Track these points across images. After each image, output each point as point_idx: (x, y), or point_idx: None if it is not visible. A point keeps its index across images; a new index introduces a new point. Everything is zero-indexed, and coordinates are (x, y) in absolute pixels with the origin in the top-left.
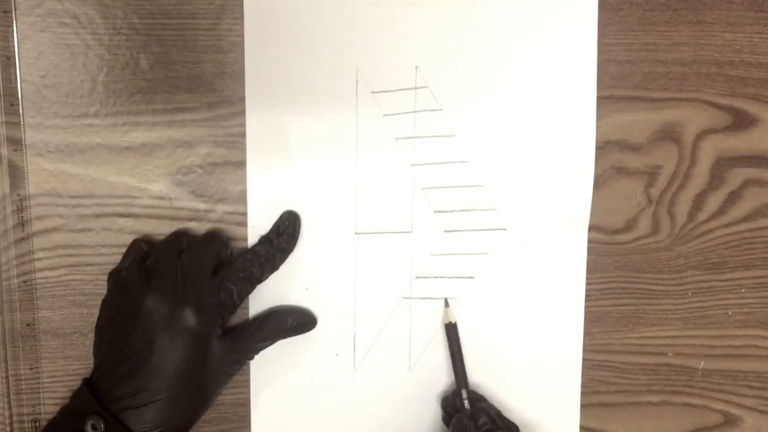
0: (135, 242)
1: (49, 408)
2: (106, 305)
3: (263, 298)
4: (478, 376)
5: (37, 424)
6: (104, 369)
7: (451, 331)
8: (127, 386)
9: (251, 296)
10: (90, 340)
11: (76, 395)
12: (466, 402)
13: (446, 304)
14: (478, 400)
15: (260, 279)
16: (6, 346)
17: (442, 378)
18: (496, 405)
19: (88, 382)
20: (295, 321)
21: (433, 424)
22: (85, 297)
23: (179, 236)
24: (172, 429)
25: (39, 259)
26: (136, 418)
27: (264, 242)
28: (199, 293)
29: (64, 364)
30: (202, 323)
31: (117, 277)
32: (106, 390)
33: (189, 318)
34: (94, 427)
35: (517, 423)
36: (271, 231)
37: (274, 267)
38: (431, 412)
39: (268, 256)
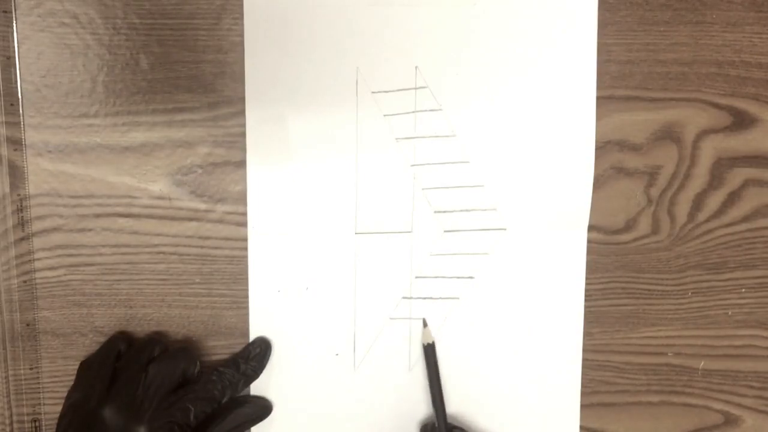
0: (113, 338)
1: (48, 408)
2: (70, 396)
3: (263, 298)
4: (477, 376)
5: (37, 424)
6: None
7: (430, 351)
8: None
9: (252, 300)
10: (90, 339)
11: None
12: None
13: (424, 324)
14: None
15: (220, 401)
16: (6, 346)
17: (443, 378)
18: (495, 406)
19: None
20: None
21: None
22: (84, 297)
23: (153, 342)
24: None
25: (39, 259)
26: None
27: (231, 365)
28: (155, 411)
29: (64, 364)
30: None
31: (86, 371)
32: None
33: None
34: None
35: (515, 423)
36: (240, 354)
37: (236, 392)
38: (431, 411)
39: (232, 381)
